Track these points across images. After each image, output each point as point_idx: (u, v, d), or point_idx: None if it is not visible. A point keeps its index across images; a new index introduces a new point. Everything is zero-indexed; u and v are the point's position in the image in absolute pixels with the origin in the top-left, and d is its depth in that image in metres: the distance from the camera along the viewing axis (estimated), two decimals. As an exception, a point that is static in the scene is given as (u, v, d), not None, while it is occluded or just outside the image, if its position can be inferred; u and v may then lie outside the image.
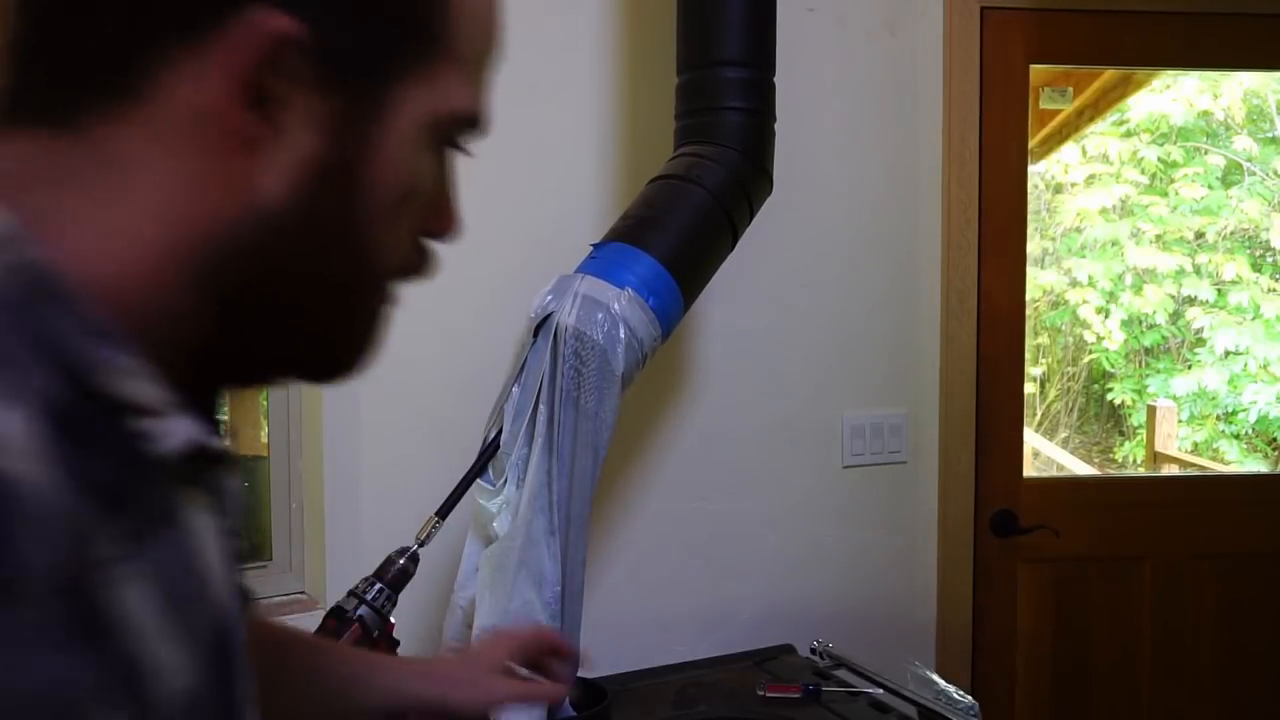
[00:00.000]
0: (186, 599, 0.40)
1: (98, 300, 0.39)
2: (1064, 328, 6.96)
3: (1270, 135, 6.42)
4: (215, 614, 0.43)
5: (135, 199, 0.41)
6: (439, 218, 0.51)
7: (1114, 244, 6.33)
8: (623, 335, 1.32)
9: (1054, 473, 5.49)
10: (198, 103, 0.40)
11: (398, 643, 1.18)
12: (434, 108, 0.46)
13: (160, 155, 0.41)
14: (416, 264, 0.51)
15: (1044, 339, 7.09)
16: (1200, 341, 6.26)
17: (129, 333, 0.40)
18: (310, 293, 0.46)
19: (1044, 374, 7.17)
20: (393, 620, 1.17)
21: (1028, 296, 2.11)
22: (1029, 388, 6.88)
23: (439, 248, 0.52)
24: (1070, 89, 3.62)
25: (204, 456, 0.42)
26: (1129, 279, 6.34)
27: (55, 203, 0.40)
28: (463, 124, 0.48)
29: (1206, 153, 6.42)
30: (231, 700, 0.45)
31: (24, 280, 0.37)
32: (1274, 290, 6.18)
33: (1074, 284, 6.45)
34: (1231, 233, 6.32)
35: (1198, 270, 6.20)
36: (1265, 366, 5.93)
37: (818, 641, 1.74)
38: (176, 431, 0.40)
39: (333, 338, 0.50)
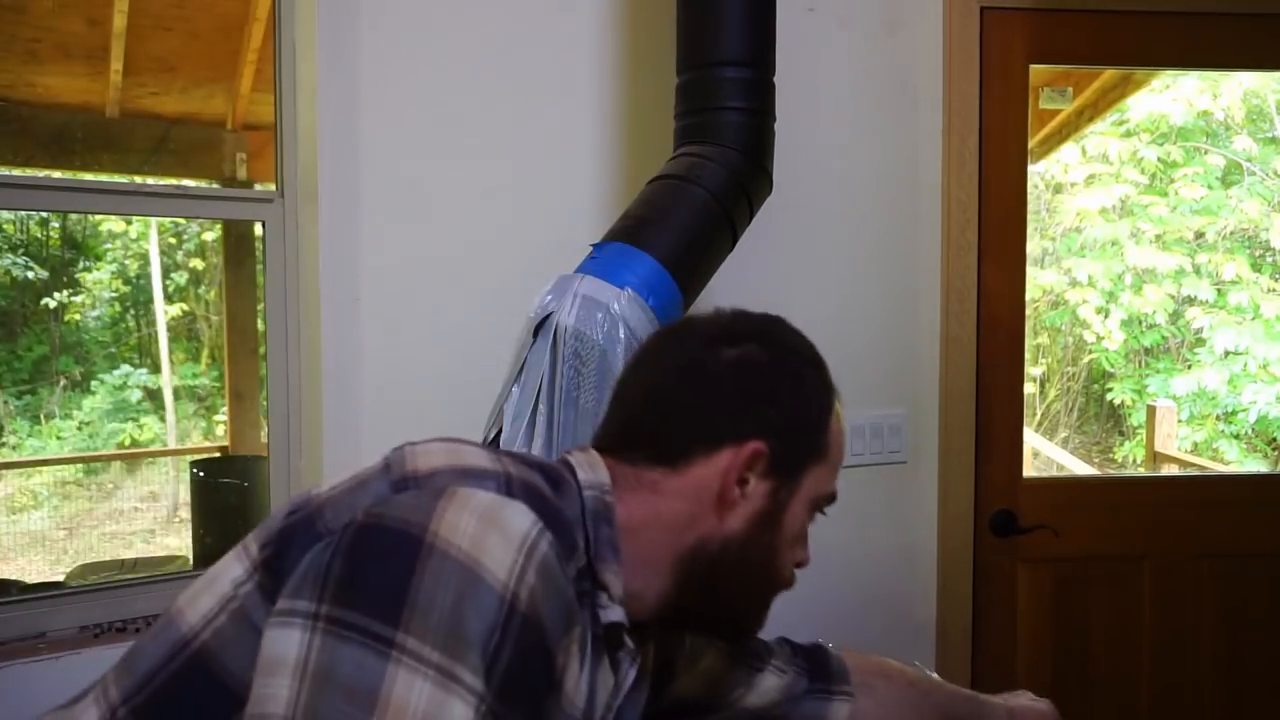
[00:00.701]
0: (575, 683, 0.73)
1: (623, 541, 0.77)
2: (1064, 328, 6.96)
3: (1270, 135, 6.42)
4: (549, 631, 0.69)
5: (659, 511, 0.79)
6: (805, 554, 0.85)
7: (1114, 244, 6.33)
8: (623, 335, 1.32)
9: (1054, 473, 5.49)
10: (709, 476, 0.78)
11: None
12: (818, 490, 0.83)
13: (684, 497, 0.79)
14: (791, 581, 0.85)
15: (1044, 339, 7.09)
16: (1200, 341, 6.26)
17: (629, 571, 0.77)
18: (738, 587, 0.81)
19: (1044, 374, 7.18)
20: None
21: (1028, 296, 2.11)
22: (1029, 388, 6.89)
23: None
24: (1070, 89, 3.63)
25: (615, 634, 0.76)
26: (1129, 279, 6.34)
27: (623, 495, 0.79)
28: (828, 499, 0.85)
29: (1206, 153, 6.42)
30: None
31: (601, 506, 0.77)
32: (1274, 290, 6.18)
33: (1074, 284, 6.45)
34: (1231, 233, 6.32)
35: (1198, 270, 6.21)
36: (1265, 366, 5.93)
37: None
38: (614, 614, 0.75)
39: (742, 616, 0.86)
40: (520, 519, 0.66)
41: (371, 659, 0.59)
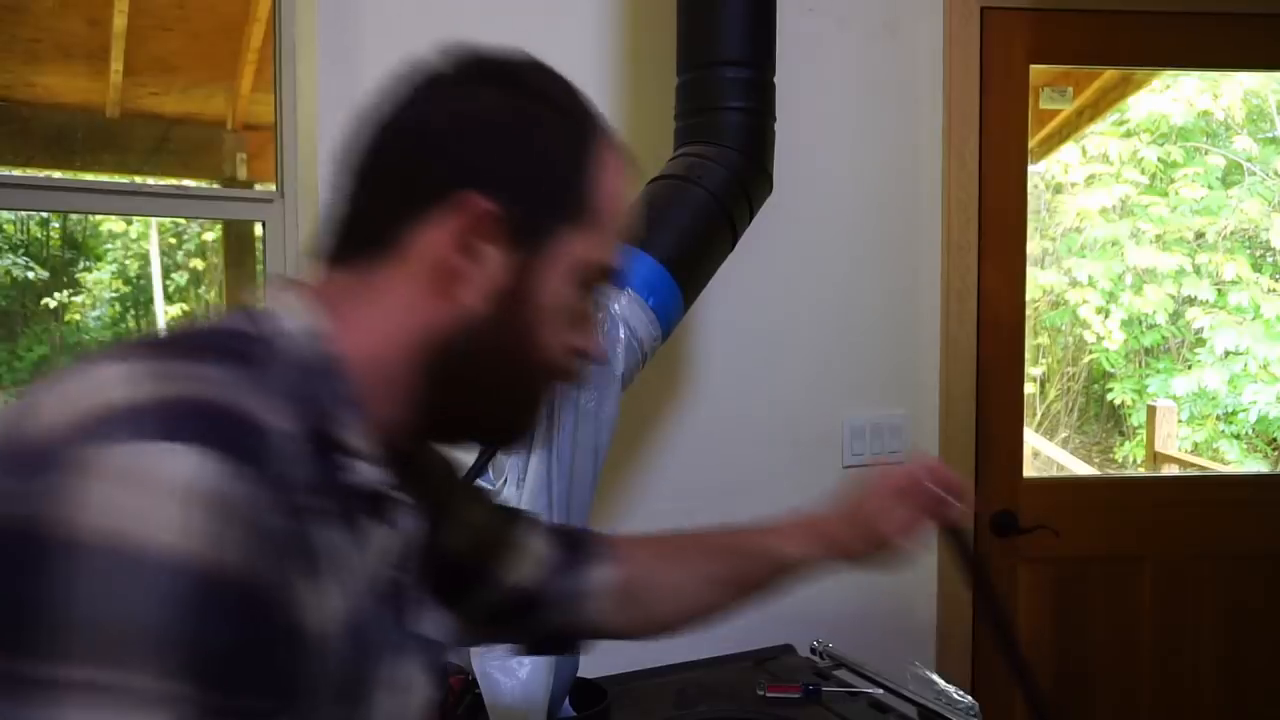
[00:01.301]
0: (347, 568, 0.59)
1: (355, 377, 0.63)
2: (1064, 328, 6.96)
3: (1270, 135, 6.42)
4: (363, 591, 0.60)
5: (385, 312, 0.65)
6: (585, 339, 0.72)
7: (1114, 244, 6.33)
8: (622, 335, 1.32)
9: (1054, 473, 5.49)
10: (430, 252, 0.65)
11: (398, 643, 1.18)
12: (580, 257, 0.68)
13: (405, 284, 0.65)
14: (568, 370, 0.72)
15: (1044, 339, 7.09)
16: (1200, 341, 6.25)
17: (365, 406, 0.63)
18: (492, 373, 0.68)
19: (1044, 374, 7.17)
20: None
21: (1028, 296, 2.11)
22: (1029, 388, 6.88)
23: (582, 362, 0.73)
24: (1070, 89, 3.63)
25: (380, 499, 0.64)
26: (1129, 279, 6.34)
27: (344, 314, 0.65)
28: (600, 273, 0.70)
29: (1206, 153, 6.42)
30: (363, 673, 0.60)
31: (313, 361, 0.62)
32: (1274, 290, 6.18)
33: (1074, 284, 6.45)
34: (1231, 233, 6.32)
35: (1198, 270, 6.20)
36: (1265, 366, 5.92)
37: (818, 641, 1.74)
38: (365, 474, 0.62)
39: (505, 409, 0.72)
40: (175, 464, 0.48)
41: (33, 712, 0.45)
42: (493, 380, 0.69)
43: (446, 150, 0.65)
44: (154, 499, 0.48)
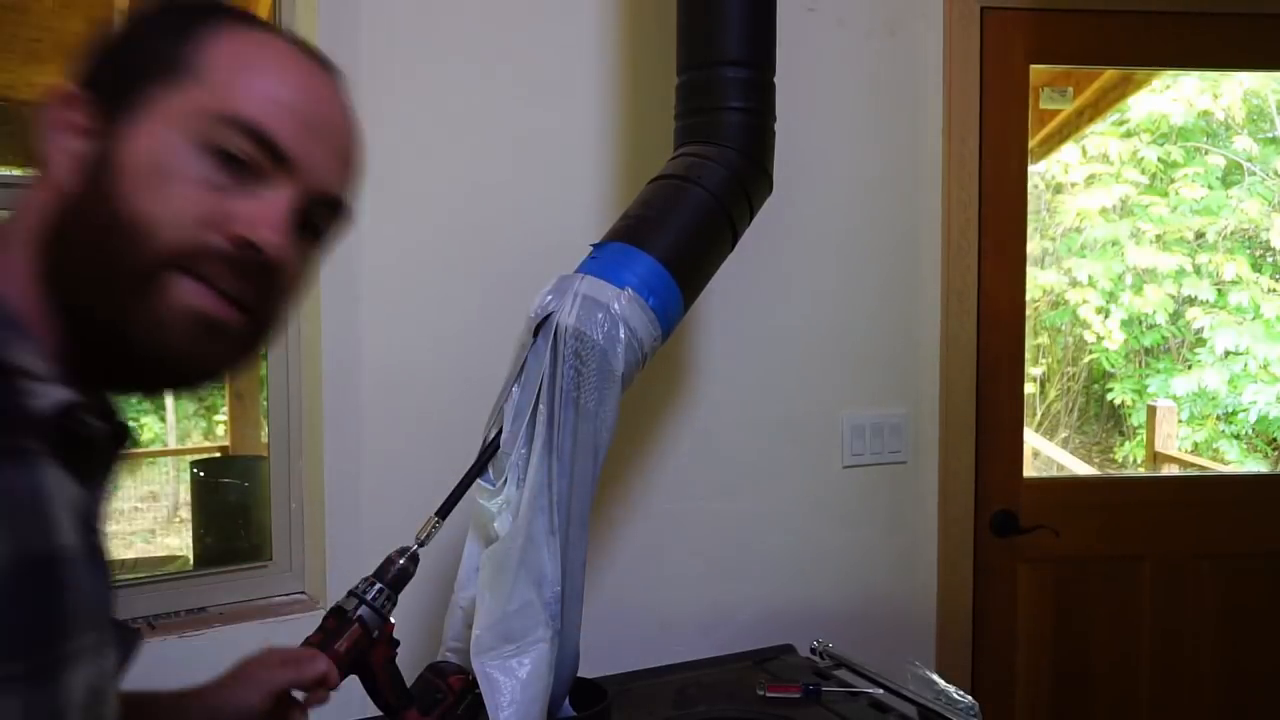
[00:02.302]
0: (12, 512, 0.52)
1: (12, 301, 0.58)
2: (1064, 328, 6.96)
3: (1270, 135, 6.42)
4: (39, 538, 0.53)
5: (29, 230, 0.61)
6: (239, 221, 0.62)
7: (1114, 244, 6.33)
8: (623, 335, 1.32)
9: (1054, 473, 5.49)
10: (34, 141, 0.62)
11: (398, 643, 1.18)
12: (181, 111, 0.61)
13: (30, 196, 0.62)
14: (199, 250, 0.61)
15: (1044, 339, 7.09)
16: (1200, 341, 6.26)
17: (30, 328, 0.58)
18: (97, 252, 0.60)
19: (1044, 374, 7.18)
20: (393, 620, 1.17)
21: (1028, 296, 2.11)
22: (1029, 388, 6.88)
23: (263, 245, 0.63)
24: (1070, 89, 3.63)
25: (74, 425, 0.57)
26: (1129, 279, 6.34)
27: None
28: (224, 126, 0.62)
29: (1206, 153, 6.42)
30: (43, 633, 0.53)
31: None
32: (1274, 290, 6.18)
33: (1074, 284, 6.45)
34: (1231, 233, 6.32)
35: (1198, 270, 6.21)
36: (1265, 366, 5.93)
37: (818, 641, 1.74)
38: (50, 395, 0.56)
39: (132, 300, 0.60)
40: None
41: None
42: (101, 260, 0.60)
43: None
44: None
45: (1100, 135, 6.26)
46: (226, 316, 0.62)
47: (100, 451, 0.63)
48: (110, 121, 0.61)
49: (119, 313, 0.60)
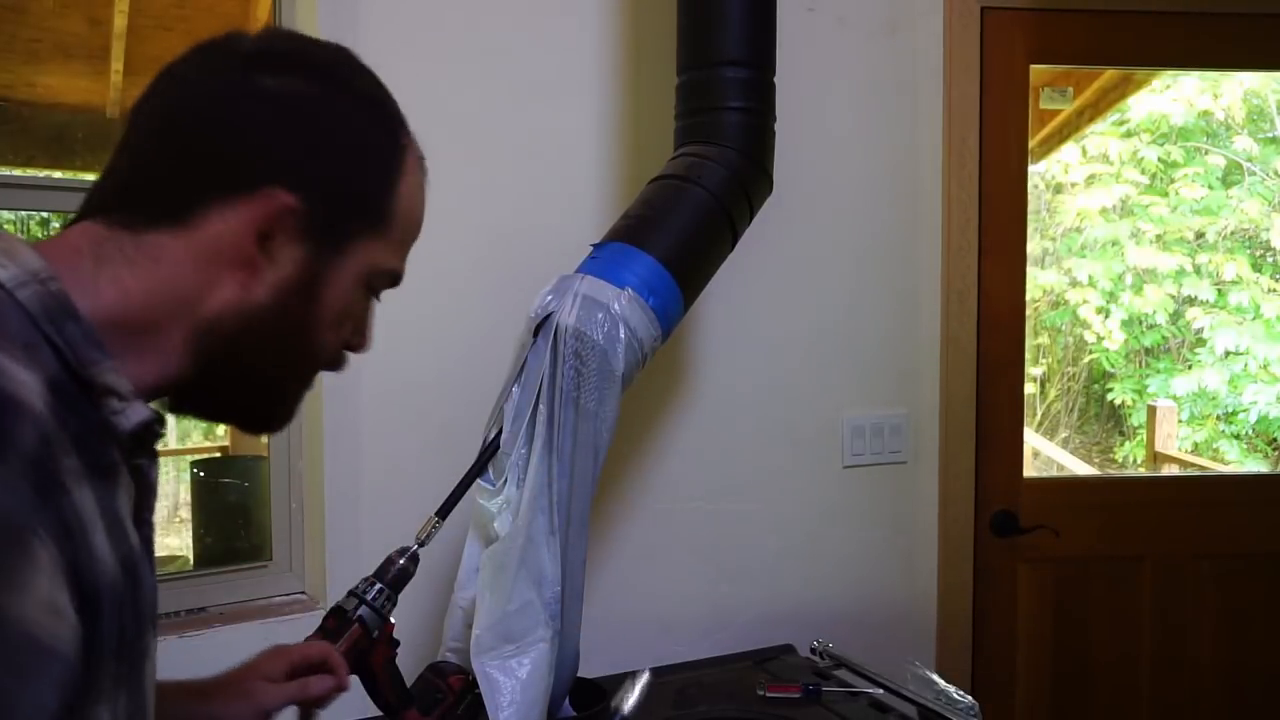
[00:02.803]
0: (110, 523, 0.59)
1: (101, 325, 0.61)
2: (1064, 328, 6.96)
3: (1270, 135, 6.42)
4: (118, 551, 0.59)
5: (156, 277, 0.63)
6: (360, 337, 0.75)
7: (1114, 244, 6.33)
8: (623, 335, 1.32)
9: (1054, 473, 5.49)
10: (225, 235, 0.64)
11: (398, 643, 1.18)
12: (372, 263, 0.70)
13: (187, 257, 0.64)
14: (337, 363, 0.74)
15: (1044, 339, 7.09)
16: (1200, 341, 6.26)
17: (125, 355, 0.62)
18: (266, 365, 0.69)
19: (1044, 374, 7.18)
20: (393, 620, 1.17)
21: (1028, 296, 2.11)
22: (1029, 388, 6.88)
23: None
24: (1070, 89, 3.63)
25: (149, 436, 0.64)
26: (1129, 279, 6.34)
27: (99, 268, 0.63)
28: (388, 279, 0.73)
29: (1206, 153, 6.42)
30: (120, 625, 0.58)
31: (49, 300, 0.59)
32: (1274, 290, 6.18)
33: (1074, 284, 6.45)
34: (1231, 233, 6.32)
35: (1198, 270, 6.21)
36: (1265, 366, 5.93)
37: (818, 641, 1.74)
38: (135, 414, 0.62)
39: (270, 399, 0.73)
40: None
41: None
42: (264, 372, 0.70)
43: (259, 136, 0.65)
44: None
45: (1100, 135, 6.26)
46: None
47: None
48: (320, 253, 0.67)
49: (257, 399, 0.72)
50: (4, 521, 0.50)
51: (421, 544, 1.22)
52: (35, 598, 0.50)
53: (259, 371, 0.69)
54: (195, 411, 0.72)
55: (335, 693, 1.01)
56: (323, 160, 0.67)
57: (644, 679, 1.37)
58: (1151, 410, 5.39)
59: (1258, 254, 6.37)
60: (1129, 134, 6.43)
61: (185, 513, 6.13)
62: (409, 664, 1.20)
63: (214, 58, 0.68)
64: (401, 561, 1.18)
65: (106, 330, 0.61)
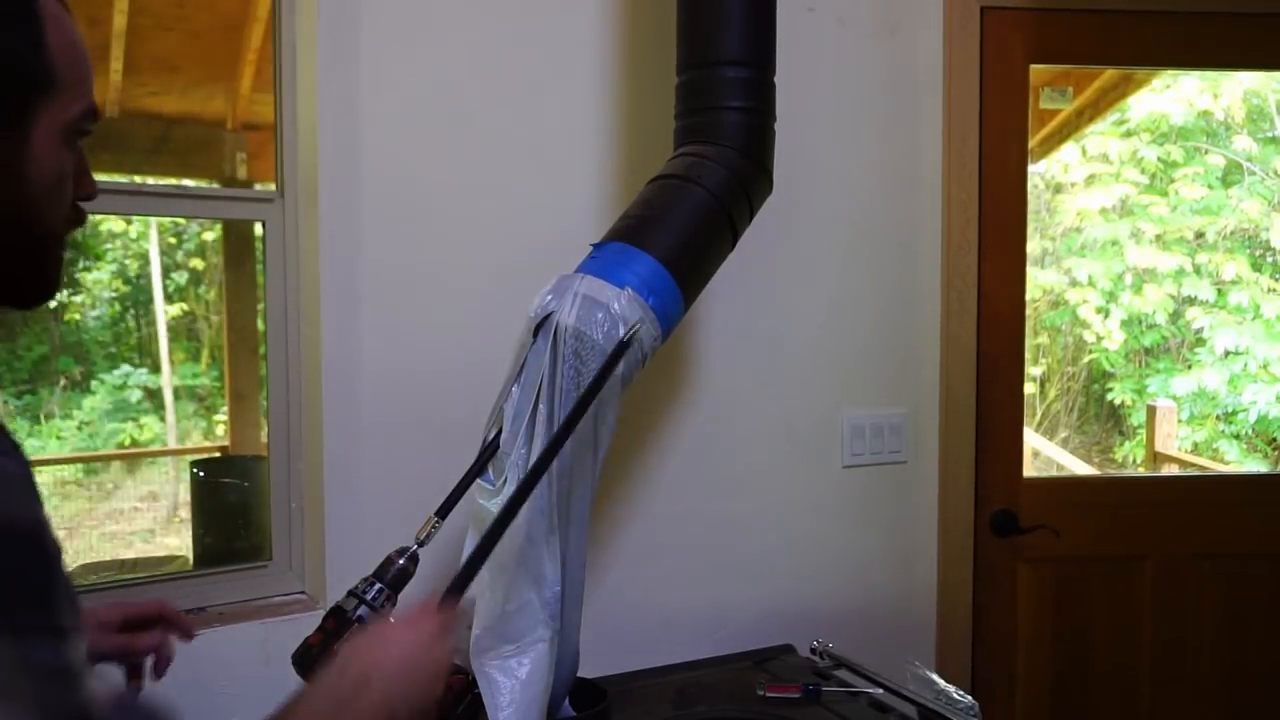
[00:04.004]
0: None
1: None
2: (1064, 328, 6.95)
3: (1270, 135, 6.42)
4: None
5: None
6: (84, 185, 0.77)
7: (1114, 244, 6.33)
8: (622, 335, 1.31)
9: (1054, 473, 5.49)
10: None
11: (398, 643, 1.18)
12: (61, 122, 0.72)
13: None
14: (76, 219, 0.78)
15: (1044, 339, 7.09)
16: (1200, 341, 6.25)
17: None
18: (15, 244, 0.72)
19: (1044, 374, 7.17)
20: (392, 620, 1.17)
21: (1028, 296, 2.11)
22: (1029, 388, 6.88)
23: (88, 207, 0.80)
24: (1070, 89, 3.63)
25: None
26: (1129, 279, 6.34)
27: None
28: (84, 122, 0.75)
29: (1206, 153, 6.42)
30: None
31: None
32: (1274, 290, 6.18)
33: (1074, 284, 6.45)
34: (1231, 233, 6.32)
35: (1198, 270, 6.20)
36: (1265, 366, 5.92)
37: (818, 641, 1.74)
38: None
39: (31, 275, 0.76)
40: None
41: None
42: (15, 250, 0.73)
43: None
44: None
45: (1100, 135, 6.25)
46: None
47: None
48: (6, 136, 0.69)
49: (25, 281, 0.75)
50: (23, 476, 0.62)
51: (421, 544, 1.22)
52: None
53: (11, 252, 0.73)
54: None
55: (167, 650, 1.06)
56: None
57: None
58: (1151, 410, 5.38)
59: (1257, 254, 6.37)
60: (1129, 134, 6.42)
61: (185, 513, 6.13)
62: (409, 664, 1.20)
63: None
64: (401, 561, 1.18)
65: None
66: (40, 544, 0.61)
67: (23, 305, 0.78)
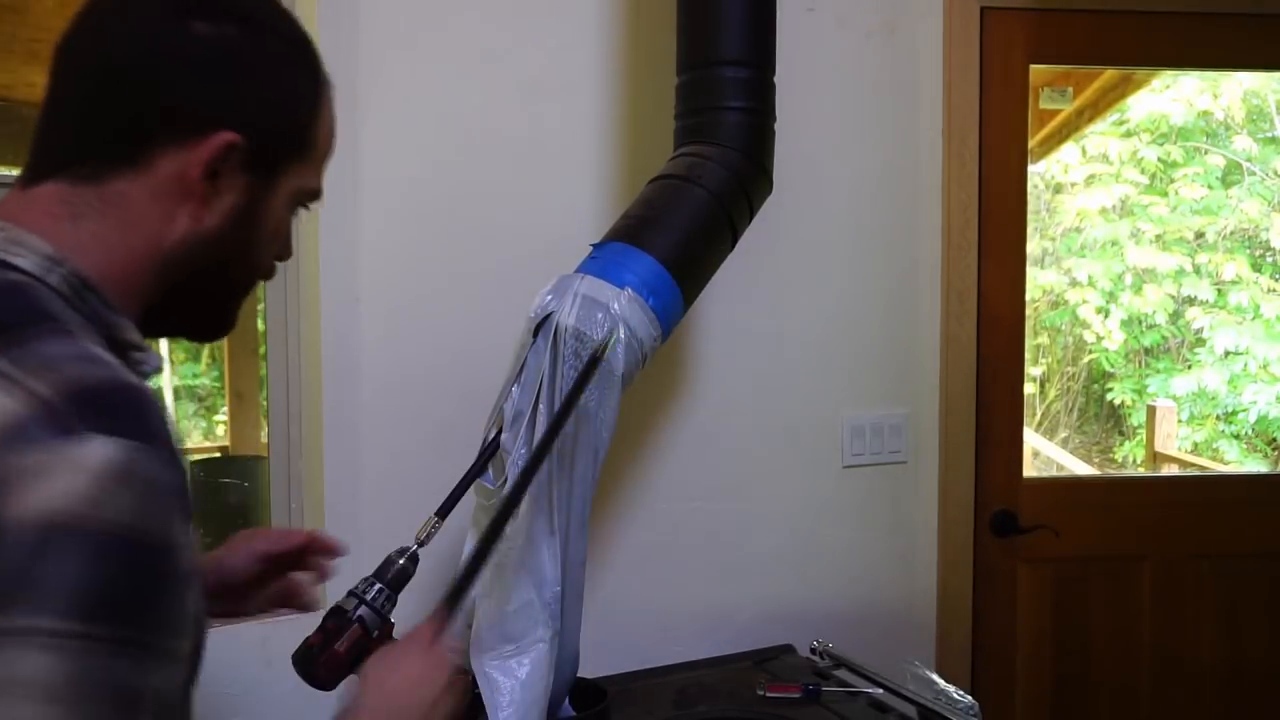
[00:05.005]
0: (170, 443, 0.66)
1: (106, 285, 0.70)
2: (1064, 328, 6.95)
3: (1270, 135, 6.42)
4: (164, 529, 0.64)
5: (127, 224, 0.72)
6: (286, 249, 0.84)
7: (1114, 244, 6.33)
8: (623, 335, 1.32)
9: (1054, 473, 5.49)
10: (178, 174, 0.72)
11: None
12: (300, 186, 0.80)
13: (148, 200, 0.72)
14: (270, 273, 0.83)
15: (1044, 339, 7.09)
16: (1200, 341, 6.25)
17: (122, 305, 0.71)
18: (217, 287, 0.80)
19: (1044, 374, 7.17)
20: (393, 620, 1.17)
21: (1028, 296, 2.11)
22: (1029, 388, 6.88)
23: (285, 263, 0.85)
24: (1070, 89, 3.63)
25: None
26: (1129, 279, 6.34)
27: (77, 226, 0.70)
28: (311, 196, 0.83)
29: (1206, 153, 6.42)
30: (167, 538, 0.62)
31: (71, 279, 0.68)
32: (1274, 290, 6.18)
33: (1074, 284, 6.45)
34: (1231, 233, 6.32)
35: (1198, 270, 6.20)
36: (1265, 366, 5.92)
37: (818, 641, 1.74)
38: (152, 360, 0.74)
39: (220, 313, 0.82)
40: (90, 451, 0.58)
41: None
42: (216, 291, 0.80)
43: (202, 83, 0.72)
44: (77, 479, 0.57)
45: (1100, 135, 6.25)
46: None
47: None
48: (259, 182, 0.76)
49: (207, 313, 0.82)
50: (175, 490, 0.61)
51: (421, 544, 1.22)
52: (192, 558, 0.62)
53: (210, 291, 0.79)
54: (153, 332, 0.79)
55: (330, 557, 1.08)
56: (258, 101, 0.74)
57: None
58: (1151, 410, 5.38)
59: (1257, 254, 6.37)
60: (1129, 134, 6.42)
61: (185, 513, 6.11)
62: (409, 664, 1.20)
63: (138, 6, 0.73)
64: (401, 561, 1.18)
65: (106, 287, 0.70)
66: (160, 561, 0.59)
67: (199, 338, 0.85)
